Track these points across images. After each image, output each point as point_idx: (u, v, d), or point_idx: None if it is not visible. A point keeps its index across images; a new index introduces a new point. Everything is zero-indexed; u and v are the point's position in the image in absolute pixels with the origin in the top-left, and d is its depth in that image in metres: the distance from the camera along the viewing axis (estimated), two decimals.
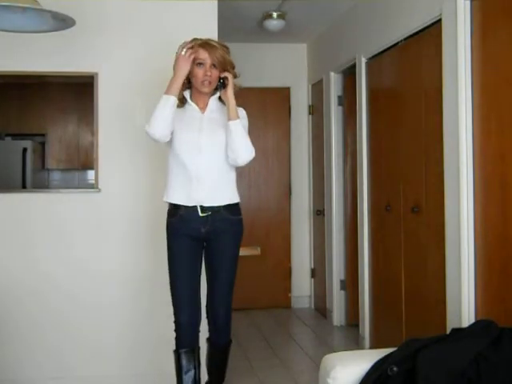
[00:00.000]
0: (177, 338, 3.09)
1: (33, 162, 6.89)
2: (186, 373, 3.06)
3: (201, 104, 3.11)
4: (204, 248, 3.14)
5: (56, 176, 7.52)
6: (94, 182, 4.04)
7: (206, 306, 3.21)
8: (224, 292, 3.13)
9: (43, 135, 7.23)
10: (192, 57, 2.99)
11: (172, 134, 3.03)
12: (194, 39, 3.06)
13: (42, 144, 7.26)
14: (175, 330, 3.10)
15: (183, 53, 2.98)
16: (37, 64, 3.95)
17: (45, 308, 3.92)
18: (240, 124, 3.01)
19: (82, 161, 7.25)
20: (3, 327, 3.88)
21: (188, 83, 3.09)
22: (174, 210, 3.09)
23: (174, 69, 3.01)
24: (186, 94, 3.11)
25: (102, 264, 3.96)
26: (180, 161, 3.03)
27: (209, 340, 3.28)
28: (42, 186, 7.11)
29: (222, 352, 3.26)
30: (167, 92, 2.98)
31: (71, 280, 3.94)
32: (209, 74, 3.00)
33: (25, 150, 6.83)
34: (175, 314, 3.09)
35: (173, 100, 2.96)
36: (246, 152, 3.02)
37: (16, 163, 6.77)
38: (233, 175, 3.15)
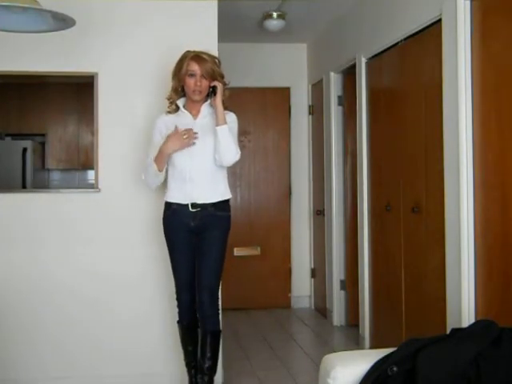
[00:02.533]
0: (179, 314, 3.53)
1: (33, 162, 6.89)
2: (189, 345, 3.51)
3: (194, 111, 3.42)
4: (197, 240, 3.41)
5: (56, 176, 7.52)
6: (94, 182, 4.04)
7: (195, 296, 3.42)
8: (210, 279, 3.36)
9: (43, 135, 7.23)
10: (187, 142, 3.30)
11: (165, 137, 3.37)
12: (187, 51, 3.37)
13: (42, 144, 7.26)
14: (177, 306, 3.53)
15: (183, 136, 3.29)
16: (37, 64, 3.95)
17: (46, 307, 3.91)
18: (226, 129, 3.29)
19: (82, 161, 7.25)
20: (4, 326, 3.88)
21: (182, 92, 3.41)
22: (169, 204, 3.43)
23: (164, 149, 3.31)
24: (180, 102, 3.43)
25: (103, 263, 3.96)
26: (175, 164, 3.37)
27: (199, 329, 3.41)
28: (42, 186, 7.11)
29: (211, 341, 3.36)
30: (158, 166, 3.33)
31: (72, 279, 3.94)
32: (199, 84, 3.31)
33: (25, 149, 6.83)
34: (176, 293, 3.52)
35: (162, 173, 3.37)
36: (230, 154, 3.30)
37: (16, 163, 6.77)
38: (223, 174, 3.45)
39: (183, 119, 3.39)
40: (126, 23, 4.01)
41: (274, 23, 5.29)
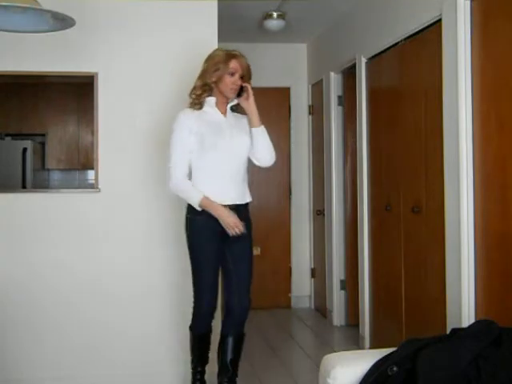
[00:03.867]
0: (196, 322, 3.38)
1: (33, 162, 6.89)
2: (200, 352, 3.41)
3: (221, 109, 3.34)
4: (226, 244, 3.32)
5: (56, 176, 7.52)
6: (93, 181, 4.04)
7: (227, 302, 3.37)
8: (248, 285, 3.43)
9: (43, 135, 7.22)
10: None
11: (199, 136, 3.21)
12: (220, 49, 3.34)
13: (42, 144, 7.26)
14: (195, 314, 3.36)
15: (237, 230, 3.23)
16: (37, 64, 3.95)
17: (46, 307, 3.91)
18: (265, 130, 3.32)
19: (82, 161, 7.25)
20: (4, 326, 3.88)
21: (210, 89, 3.29)
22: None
23: (220, 214, 3.20)
24: (212, 100, 3.30)
25: (102, 264, 3.96)
26: (211, 163, 3.24)
27: (227, 335, 3.35)
28: (42, 186, 7.11)
29: (242, 344, 3.40)
30: (199, 206, 3.20)
31: (71, 279, 3.94)
32: (238, 82, 3.28)
33: (25, 149, 6.83)
34: (198, 299, 3.33)
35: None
36: (272, 155, 3.37)
37: (16, 163, 6.77)
38: (247, 175, 3.41)
39: (213, 116, 3.29)
40: (126, 23, 4.01)
41: (274, 23, 5.28)
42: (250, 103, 3.31)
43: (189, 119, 3.24)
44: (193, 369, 3.47)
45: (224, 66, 3.24)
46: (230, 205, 3.24)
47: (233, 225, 3.20)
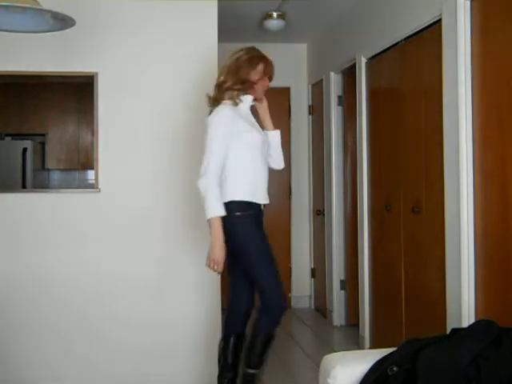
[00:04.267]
0: (271, 318, 3.29)
1: (33, 161, 6.89)
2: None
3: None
4: None
5: (56, 176, 7.53)
6: (93, 181, 4.04)
7: (235, 301, 3.34)
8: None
9: (43, 135, 7.23)
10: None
11: (238, 134, 3.10)
12: (256, 50, 3.31)
13: (42, 144, 7.26)
14: (281, 315, 3.25)
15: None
16: (37, 64, 3.95)
17: (45, 307, 3.92)
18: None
19: (82, 161, 7.26)
20: (5, 326, 3.88)
21: (249, 87, 3.19)
22: (248, 204, 3.14)
23: (217, 244, 3.03)
24: (250, 98, 3.23)
25: (102, 264, 3.96)
26: (255, 160, 3.19)
27: (229, 335, 3.32)
28: (42, 186, 7.11)
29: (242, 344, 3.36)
30: (213, 220, 3.02)
31: (71, 279, 3.94)
32: (268, 84, 3.29)
33: (25, 150, 6.83)
34: (277, 298, 3.20)
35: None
36: (282, 158, 3.49)
37: (16, 163, 6.78)
38: None
39: (247, 114, 3.24)
40: (125, 23, 4.02)
41: (274, 23, 5.29)
42: (264, 106, 3.34)
43: (230, 116, 3.10)
44: (223, 377, 3.28)
45: (264, 67, 3.22)
46: (260, 204, 3.19)
47: (217, 261, 3.04)
